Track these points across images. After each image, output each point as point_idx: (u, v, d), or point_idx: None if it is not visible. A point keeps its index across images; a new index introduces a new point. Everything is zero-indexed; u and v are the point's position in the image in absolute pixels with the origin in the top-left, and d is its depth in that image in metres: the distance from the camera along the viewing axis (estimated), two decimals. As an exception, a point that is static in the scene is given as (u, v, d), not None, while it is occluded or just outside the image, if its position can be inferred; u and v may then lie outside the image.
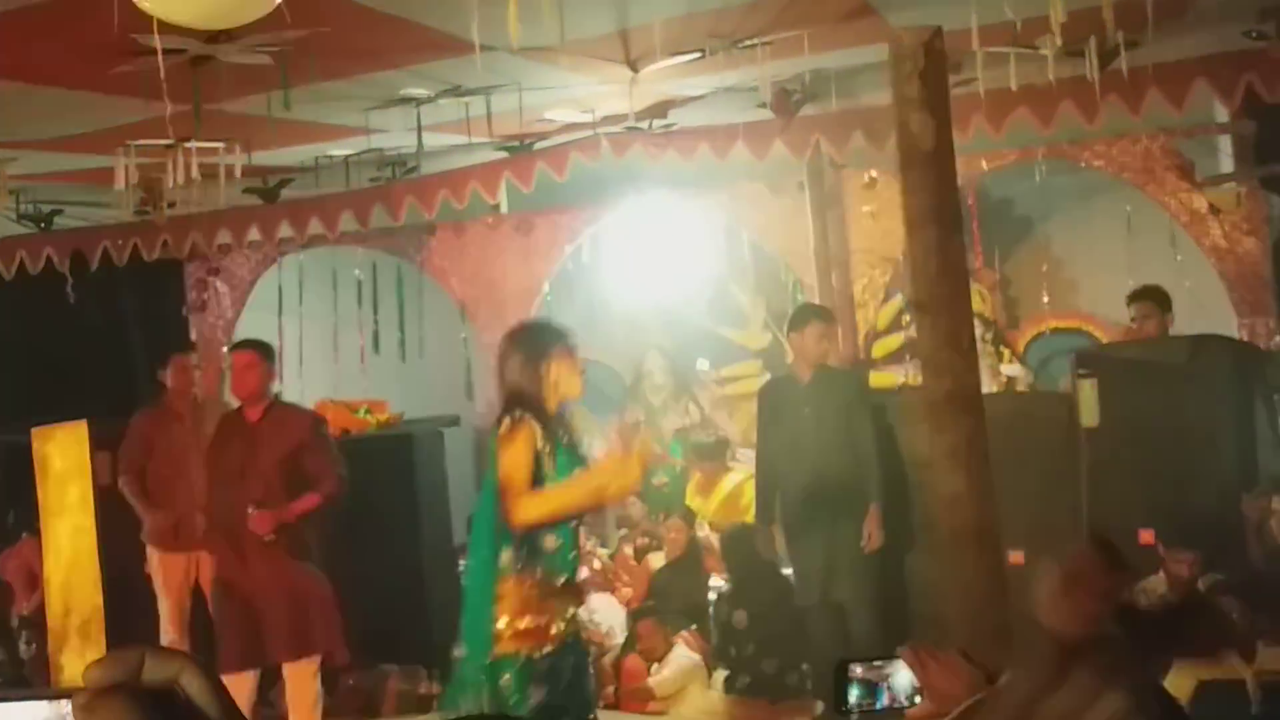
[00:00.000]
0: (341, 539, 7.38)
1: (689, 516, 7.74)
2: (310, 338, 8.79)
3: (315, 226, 7.92)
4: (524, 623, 4.03)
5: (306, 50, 4.97)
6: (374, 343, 8.76)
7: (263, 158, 6.74)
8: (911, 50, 2.14)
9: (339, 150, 7.17)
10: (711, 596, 7.46)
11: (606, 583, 8.14)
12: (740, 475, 8.34)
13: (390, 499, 7.47)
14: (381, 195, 7.59)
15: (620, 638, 7.60)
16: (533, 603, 4.04)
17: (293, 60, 5.09)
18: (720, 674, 6.94)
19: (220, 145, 6.18)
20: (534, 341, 4.25)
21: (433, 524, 7.79)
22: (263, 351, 6.24)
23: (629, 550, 8.37)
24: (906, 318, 7.95)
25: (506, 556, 4.06)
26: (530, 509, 3.99)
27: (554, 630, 4.08)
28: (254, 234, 8.09)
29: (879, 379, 7.83)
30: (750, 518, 7.99)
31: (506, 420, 4.09)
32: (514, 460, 4.01)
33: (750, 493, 8.34)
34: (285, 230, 8.02)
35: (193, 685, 0.78)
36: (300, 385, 8.53)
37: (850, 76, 6.47)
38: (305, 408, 6.73)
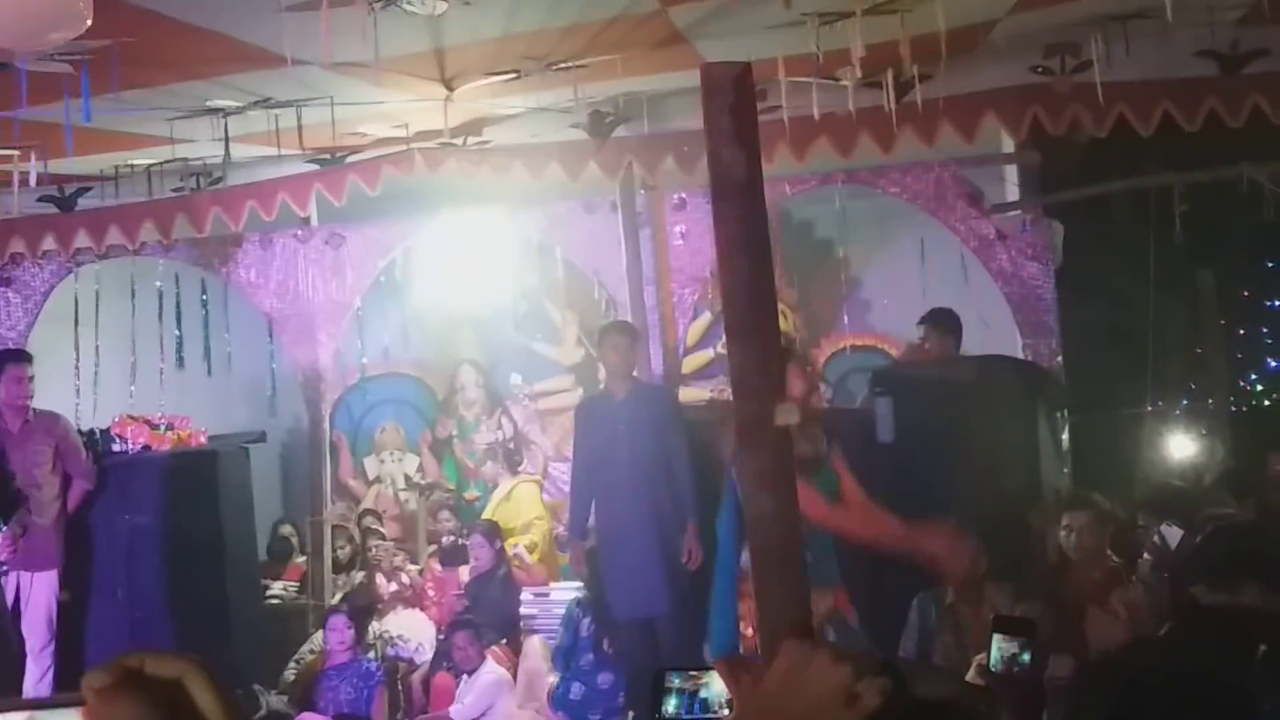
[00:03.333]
0: (142, 558, 7.17)
1: (491, 530, 7.72)
2: (107, 351, 8.48)
3: (114, 236, 7.66)
4: None
5: (109, 59, 4.84)
6: (177, 356, 8.51)
7: (60, 165, 6.51)
8: (723, 85, 2.25)
9: (141, 159, 6.98)
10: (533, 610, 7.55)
11: (415, 599, 8.10)
12: (522, 482, 8.51)
13: (192, 517, 7.25)
14: (185, 205, 7.40)
15: (429, 654, 7.56)
16: None
17: (95, 68, 4.95)
18: (550, 680, 6.97)
19: (14, 153, 5.96)
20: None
21: (236, 543, 7.60)
22: (31, 363, 6.94)
23: (436, 565, 8.33)
24: (717, 338, 8.18)
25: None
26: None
27: None
28: (49, 243, 7.78)
29: (688, 394, 8.00)
30: (535, 527, 8.13)
31: None
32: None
33: (531, 501, 8.49)
34: (82, 240, 7.74)
35: (196, 687, 0.80)
36: (95, 399, 8.24)
37: (661, 100, 6.62)
38: (54, 412, 7.05)
